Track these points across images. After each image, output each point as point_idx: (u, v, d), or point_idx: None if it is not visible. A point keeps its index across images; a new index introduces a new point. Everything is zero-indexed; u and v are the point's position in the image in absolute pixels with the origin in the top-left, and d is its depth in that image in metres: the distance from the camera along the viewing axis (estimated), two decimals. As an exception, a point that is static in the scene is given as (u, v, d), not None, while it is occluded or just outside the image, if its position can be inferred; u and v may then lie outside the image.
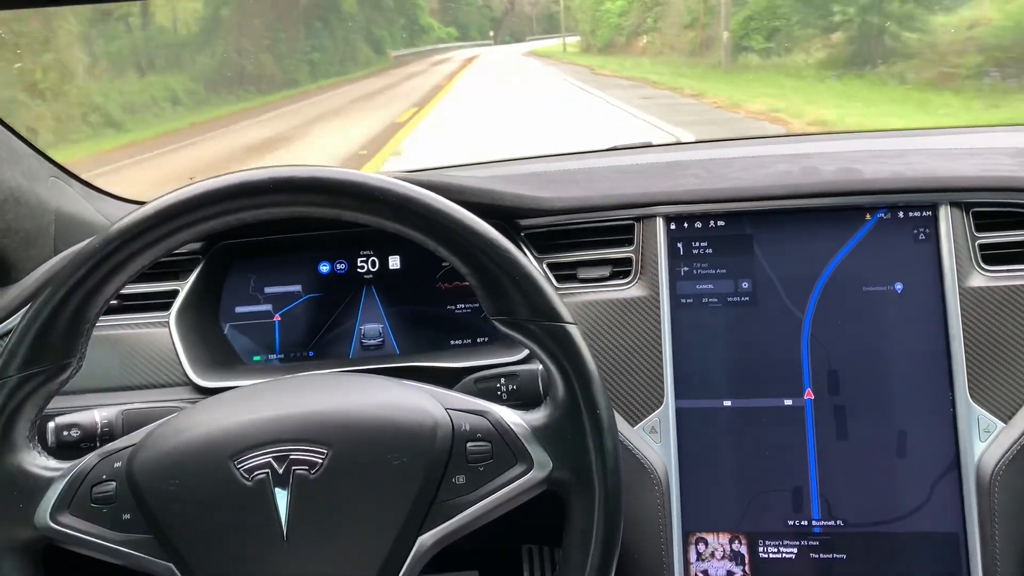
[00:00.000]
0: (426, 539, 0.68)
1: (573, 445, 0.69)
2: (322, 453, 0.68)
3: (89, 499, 0.69)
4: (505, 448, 0.70)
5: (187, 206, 0.68)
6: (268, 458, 0.67)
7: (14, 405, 0.68)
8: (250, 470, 0.67)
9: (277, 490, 0.67)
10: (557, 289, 1.01)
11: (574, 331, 0.70)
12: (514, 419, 0.71)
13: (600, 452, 0.69)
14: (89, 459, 0.71)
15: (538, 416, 0.72)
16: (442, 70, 22.53)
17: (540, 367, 0.88)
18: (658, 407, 0.96)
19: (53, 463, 0.71)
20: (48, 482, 0.70)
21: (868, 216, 0.98)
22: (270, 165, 0.70)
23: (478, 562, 1.33)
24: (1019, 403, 0.91)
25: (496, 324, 0.71)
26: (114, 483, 0.69)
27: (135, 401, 0.92)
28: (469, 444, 0.70)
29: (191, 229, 0.69)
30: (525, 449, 0.70)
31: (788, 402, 0.95)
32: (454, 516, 0.69)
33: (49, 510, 0.69)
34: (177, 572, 0.68)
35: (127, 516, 0.69)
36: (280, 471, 0.67)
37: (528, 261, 0.70)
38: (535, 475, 0.70)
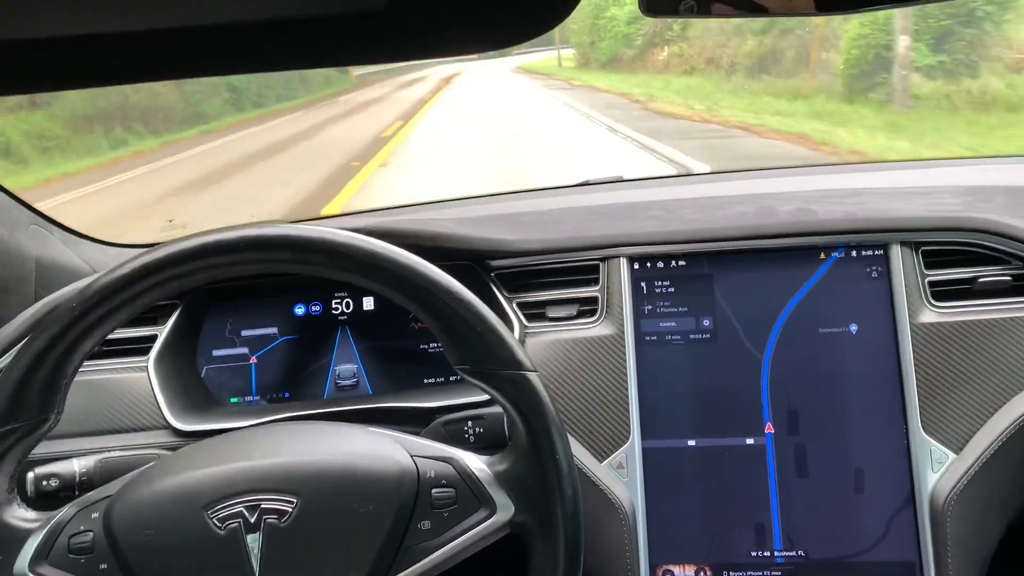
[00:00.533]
0: None
1: (534, 490, 0.72)
2: (291, 502, 0.70)
3: (67, 549, 0.71)
4: (469, 493, 0.73)
5: (163, 265, 0.71)
6: (240, 507, 0.70)
7: None
8: (223, 519, 0.70)
9: (249, 538, 0.69)
10: (526, 328, 1.04)
11: (534, 379, 0.73)
12: (478, 465, 0.74)
13: (560, 497, 0.72)
14: (67, 510, 0.73)
15: (501, 461, 0.75)
16: (411, 95, 18.48)
17: None
18: (624, 443, 0.99)
19: (32, 514, 0.73)
20: (27, 533, 0.72)
21: (823, 256, 1.02)
22: (240, 224, 0.73)
23: None
24: (969, 434, 0.95)
25: (459, 372, 0.74)
26: (91, 533, 0.71)
27: (114, 446, 0.94)
28: (434, 490, 0.73)
29: (165, 287, 0.72)
30: (488, 494, 0.73)
31: (750, 441, 0.99)
32: (420, 560, 0.71)
33: (28, 561, 0.71)
34: None
35: (104, 566, 0.71)
36: (252, 520, 0.70)
37: (489, 312, 0.73)
38: (498, 519, 0.72)
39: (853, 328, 0.99)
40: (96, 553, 0.71)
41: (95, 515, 0.72)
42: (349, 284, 1.10)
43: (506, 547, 0.76)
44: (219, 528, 0.70)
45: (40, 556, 0.71)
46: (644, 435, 0.99)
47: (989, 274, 0.99)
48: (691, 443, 1.00)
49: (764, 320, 1.01)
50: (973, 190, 1.09)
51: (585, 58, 22.45)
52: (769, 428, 0.99)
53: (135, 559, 0.70)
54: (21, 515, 0.73)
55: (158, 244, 0.73)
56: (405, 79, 25.79)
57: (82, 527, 0.72)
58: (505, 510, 0.73)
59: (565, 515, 0.72)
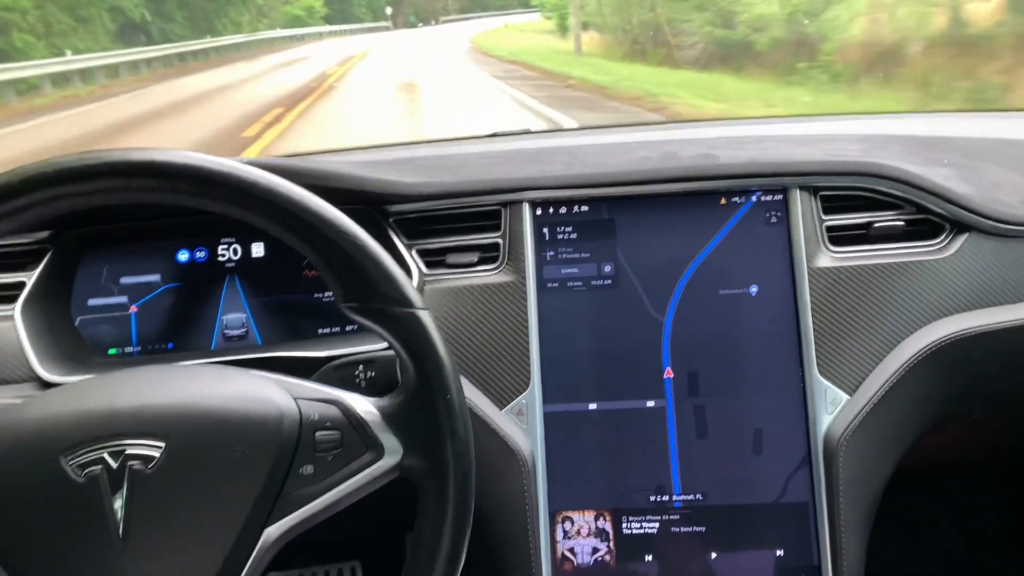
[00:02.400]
0: (273, 531, 0.67)
1: (424, 431, 0.69)
2: (158, 447, 0.65)
3: None
4: (355, 436, 0.69)
5: (13, 190, 0.64)
6: (102, 453, 0.65)
7: None
8: (83, 466, 0.64)
9: (111, 487, 0.64)
10: (425, 275, 1.01)
11: (425, 317, 0.70)
12: (365, 407, 0.71)
13: (452, 438, 0.69)
14: None
15: (390, 403, 0.71)
16: (258, 92, 11.77)
17: None
18: (524, 390, 0.97)
19: None
20: None
21: (724, 201, 1.01)
22: (106, 149, 0.66)
23: (361, 552, 1.33)
24: (862, 377, 0.96)
25: (346, 311, 0.70)
26: None
27: None
28: (317, 433, 0.69)
29: (17, 217, 0.65)
30: (375, 437, 0.69)
31: (650, 403, 0.98)
32: (302, 507, 0.68)
33: None
34: None
35: None
36: (114, 466, 0.64)
37: (377, 246, 0.69)
38: (386, 462, 0.69)
39: (753, 289, 0.99)
40: None
41: None
42: (237, 229, 1.05)
43: (397, 493, 0.73)
44: (78, 476, 0.64)
45: None
46: (545, 399, 0.98)
47: (884, 219, 1.00)
48: (592, 407, 0.98)
49: (665, 279, 1.00)
50: (871, 138, 1.10)
51: (608, 44, 14.49)
52: (669, 390, 0.98)
53: None
54: None
55: (8, 171, 0.66)
56: (278, 59, 18.39)
57: None
58: (393, 453, 0.69)
59: (456, 456, 0.69)
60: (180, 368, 0.75)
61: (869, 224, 1.00)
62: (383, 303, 0.69)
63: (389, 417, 0.70)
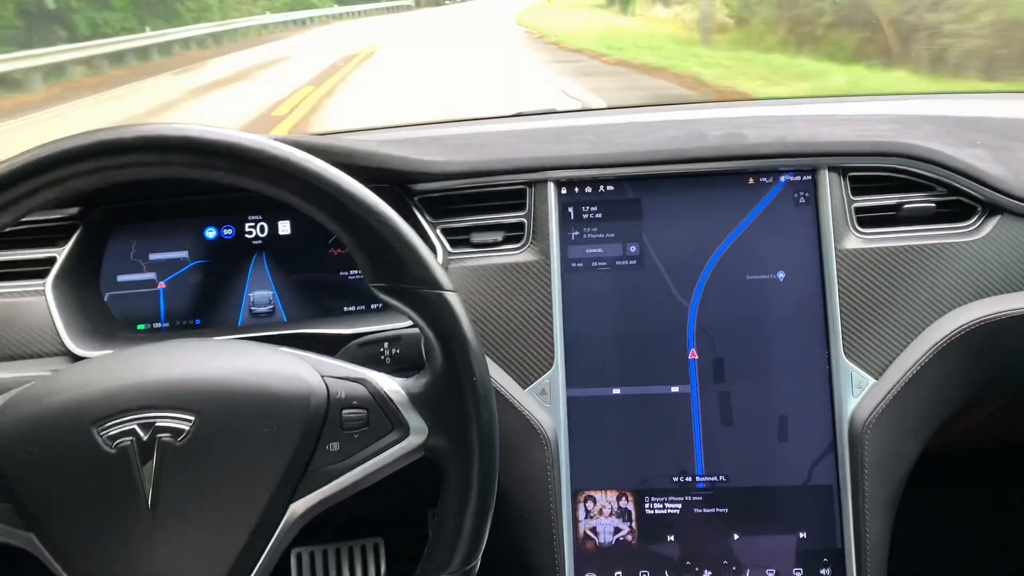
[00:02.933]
0: (298, 506, 0.68)
1: (449, 412, 0.69)
2: (188, 420, 0.66)
3: None
4: (381, 415, 0.70)
5: (52, 162, 0.65)
6: (132, 425, 0.66)
7: None
8: (113, 437, 0.65)
9: (141, 458, 0.65)
10: (450, 254, 1.01)
11: (453, 298, 0.70)
12: (391, 386, 0.71)
13: (476, 419, 0.69)
14: None
15: (416, 383, 0.72)
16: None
17: None
18: (548, 369, 0.97)
19: None
20: None
21: (751, 181, 1.00)
22: (140, 124, 0.67)
23: (384, 530, 1.34)
24: (889, 360, 0.95)
25: (374, 291, 0.70)
26: None
27: (5, 373, 0.88)
28: (344, 411, 0.69)
29: (55, 188, 0.66)
30: (401, 416, 0.70)
31: (675, 389, 0.98)
32: (327, 483, 0.68)
33: None
34: (38, 543, 0.66)
35: None
36: (145, 438, 0.65)
37: (407, 227, 0.69)
38: (411, 442, 0.70)
39: (780, 274, 0.98)
40: None
41: None
42: (264, 206, 1.06)
43: (421, 473, 0.74)
44: (109, 447, 0.65)
45: None
46: (569, 382, 0.97)
47: (914, 200, 0.99)
48: (616, 391, 0.98)
49: (692, 261, 0.99)
50: (903, 118, 1.08)
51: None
52: (694, 372, 0.98)
53: (17, 478, 0.66)
54: None
55: (49, 142, 0.66)
56: (247, 61, 13.09)
57: None
58: (418, 433, 0.70)
59: (480, 438, 0.69)
60: (210, 342, 0.76)
61: (899, 205, 0.99)
62: (412, 284, 0.69)
63: (415, 397, 0.71)
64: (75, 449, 0.66)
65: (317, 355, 0.74)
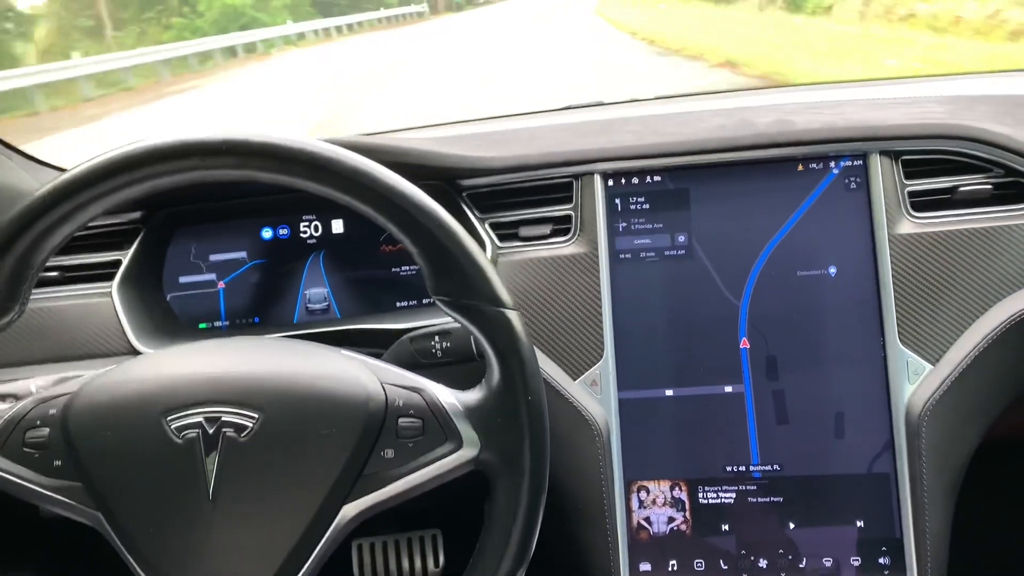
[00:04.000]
0: (350, 509, 0.69)
1: (503, 429, 0.70)
2: (253, 417, 0.68)
3: (22, 443, 0.70)
4: (436, 426, 0.71)
5: (140, 160, 0.67)
6: (199, 418, 0.68)
7: None
8: (180, 429, 0.68)
9: (206, 451, 0.68)
10: (498, 248, 1.02)
11: (514, 317, 0.70)
12: (448, 398, 0.72)
13: (530, 439, 0.70)
14: (25, 404, 0.72)
15: (472, 397, 0.72)
16: None
17: None
18: (598, 361, 0.97)
19: None
20: None
21: (801, 168, 0.99)
22: (221, 129, 0.68)
23: (441, 519, 1.36)
24: (946, 345, 0.94)
25: (437, 303, 0.72)
26: (47, 429, 0.70)
27: (77, 373, 0.92)
28: (401, 419, 0.70)
29: (141, 184, 0.68)
30: (456, 428, 0.71)
31: (728, 389, 0.97)
32: (380, 489, 0.70)
33: None
34: (104, 522, 0.69)
35: (58, 463, 0.69)
36: (210, 432, 0.68)
37: (473, 244, 0.70)
38: (463, 454, 0.70)
39: (833, 263, 0.97)
40: (51, 449, 0.70)
41: (53, 411, 0.71)
42: (317, 206, 1.09)
43: (470, 486, 0.75)
44: (177, 437, 0.68)
45: None
46: (620, 381, 0.98)
47: (970, 183, 0.97)
48: (668, 393, 0.98)
49: (742, 250, 0.98)
50: (956, 99, 1.06)
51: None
52: (745, 361, 0.97)
53: (89, 460, 0.69)
54: None
55: (135, 141, 0.69)
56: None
57: (39, 422, 0.70)
58: (471, 446, 0.71)
59: (532, 457, 0.70)
60: (277, 342, 0.78)
61: (954, 188, 0.97)
62: (475, 300, 0.70)
63: (470, 411, 0.71)
64: (145, 437, 0.68)
65: (377, 361, 0.75)
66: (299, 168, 0.67)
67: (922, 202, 0.97)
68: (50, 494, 0.70)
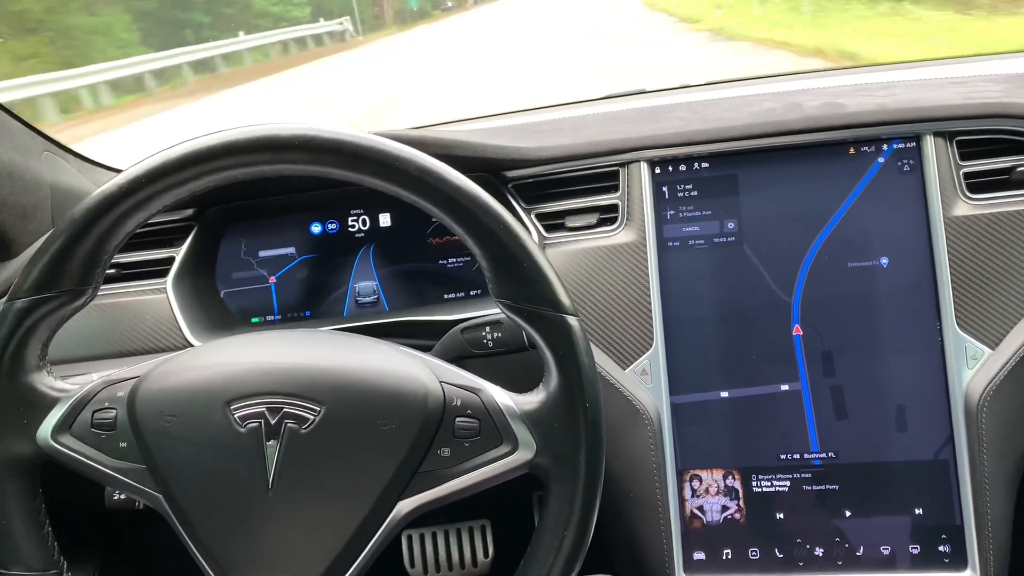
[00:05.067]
0: (404, 505, 0.70)
1: (560, 434, 0.70)
2: (315, 410, 0.69)
3: (90, 423, 0.72)
4: (493, 427, 0.71)
5: (215, 153, 0.68)
6: (262, 408, 0.69)
7: (29, 324, 0.71)
8: (244, 418, 0.69)
9: (267, 441, 0.69)
10: (545, 239, 1.02)
11: (574, 323, 0.70)
12: (505, 400, 0.72)
13: (586, 446, 0.70)
14: (94, 384, 0.73)
15: (530, 400, 0.72)
16: None
17: None
18: (648, 350, 0.97)
19: (61, 384, 0.74)
20: (53, 402, 0.72)
21: (852, 151, 0.97)
22: (291, 123, 0.69)
23: (490, 510, 1.36)
24: (1006, 329, 0.92)
25: (498, 305, 0.72)
26: (115, 411, 0.72)
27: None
28: (458, 419, 0.71)
29: (214, 175, 0.69)
30: (512, 431, 0.71)
31: (784, 387, 0.96)
32: (435, 487, 0.70)
33: (51, 429, 0.72)
34: (165, 503, 0.71)
35: (124, 444, 0.71)
36: (272, 422, 0.69)
37: (537, 248, 0.70)
38: (518, 457, 0.70)
39: (885, 254, 0.95)
40: (118, 431, 0.71)
41: (121, 393, 0.72)
42: (365, 200, 1.10)
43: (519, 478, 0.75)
44: (239, 426, 0.69)
45: (64, 426, 0.72)
46: (672, 386, 0.97)
47: None
48: (724, 394, 0.97)
49: (794, 237, 0.97)
50: (1012, 77, 1.03)
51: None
52: (799, 348, 0.96)
53: (154, 443, 0.70)
54: (50, 383, 0.73)
55: (209, 133, 0.70)
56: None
57: (107, 403, 0.72)
58: (527, 449, 0.70)
59: (587, 463, 0.70)
60: (338, 335, 0.78)
61: (1011, 168, 0.95)
62: (536, 305, 0.70)
63: (527, 414, 0.71)
64: (208, 424, 0.70)
65: (436, 359, 0.76)
66: (368, 165, 0.68)
67: (978, 183, 0.95)
68: (114, 474, 0.72)
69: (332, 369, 0.71)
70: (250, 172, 0.69)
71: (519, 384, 0.75)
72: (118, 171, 1.30)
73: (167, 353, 1.02)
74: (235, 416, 0.69)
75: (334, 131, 0.68)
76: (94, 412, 0.72)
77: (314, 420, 0.69)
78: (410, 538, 1.29)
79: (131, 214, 0.70)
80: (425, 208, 0.69)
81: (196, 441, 0.70)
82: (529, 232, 0.71)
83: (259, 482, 0.69)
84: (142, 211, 0.70)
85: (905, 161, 0.96)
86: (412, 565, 1.29)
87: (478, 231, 0.69)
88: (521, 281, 0.69)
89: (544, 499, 0.72)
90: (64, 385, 0.74)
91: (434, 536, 1.30)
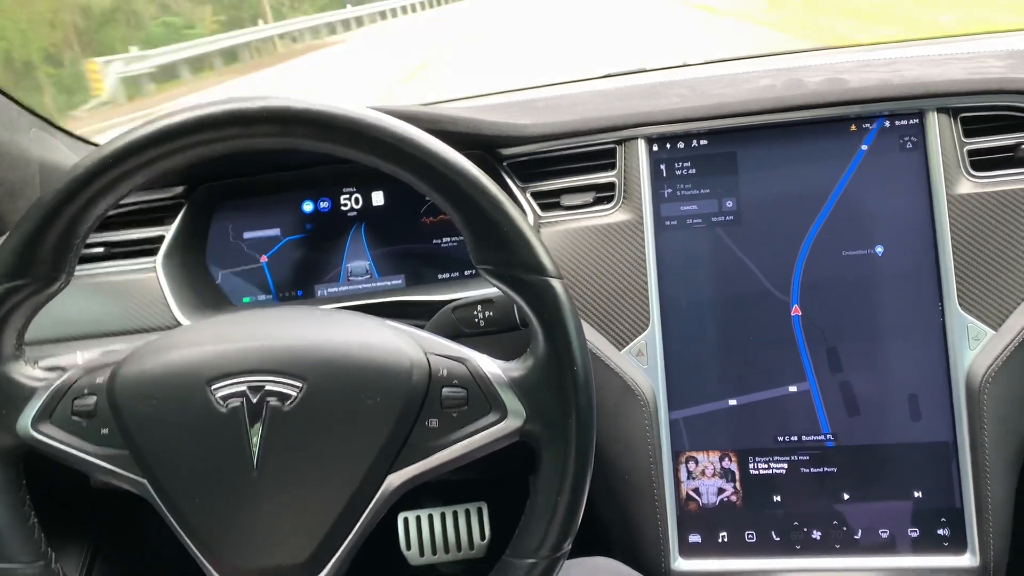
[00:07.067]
0: (394, 479, 0.68)
1: (549, 399, 0.69)
2: (297, 386, 0.68)
3: (70, 411, 0.70)
4: (480, 396, 0.70)
5: (184, 129, 0.66)
6: (243, 387, 0.68)
7: (2, 314, 0.69)
8: (225, 397, 0.68)
9: (250, 420, 0.67)
10: (540, 218, 1.00)
11: (559, 286, 0.69)
12: (492, 368, 0.71)
13: (576, 410, 0.68)
14: (73, 372, 0.72)
15: (517, 367, 0.71)
16: None
17: None
18: (644, 330, 0.96)
19: (38, 373, 0.72)
20: (32, 391, 0.71)
21: (854, 128, 0.96)
22: (260, 96, 0.67)
23: (487, 493, 1.36)
24: (1008, 310, 0.90)
25: (481, 272, 0.70)
26: (95, 397, 0.70)
27: (122, 346, 0.93)
28: (445, 389, 0.69)
29: (185, 153, 0.67)
30: (500, 399, 0.69)
31: (793, 388, 0.95)
32: (424, 458, 0.69)
33: (31, 419, 0.70)
34: (150, 489, 0.69)
35: (105, 431, 0.70)
36: (254, 401, 0.67)
37: (518, 212, 0.68)
38: (508, 425, 0.69)
39: (879, 250, 0.94)
40: (98, 417, 0.70)
41: (100, 379, 0.71)
42: (358, 178, 1.08)
43: (516, 459, 0.73)
44: (221, 406, 0.68)
45: (43, 415, 0.71)
46: (672, 405, 0.96)
47: None
48: (732, 402, 0.96)
49: (794, 216, 0.95)
50: (1017, 54, 1.01)
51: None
52: (798, 328, 0.95)
53: (136, 427, 0.69)
54: (28, 373, 0.72)
55: (178, 110, 0.68)
56: None
57: (86, 390, 0.71)
58: (516, 416, 0.69)
59: (578, 427, 0.68)
60: (319, 311, 0.77)
61: (1016, 145, 0.93)
62: (519, 270, 0.68)
63: (515, 381, 0.70)
64: (189, 405, 0.68)
65: (420, 331, 0.74)
66: (341, 135, 0.66)
67: (982, 161, 0.93)
68: (97, 462, 0.70)
69: (314, 345, 0.70)
70: (221, 147, 0.67)
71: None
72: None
73: (156, 332, 1.01)
74: (216, 396, 0.68)
75: (305, 101, 0.66)
76: (74, 400, 0.70)
77: (296, 397, 0.68)
78: (406, 520, 1.29)
79: (102, 196, 0.67)
80: (402, 176, 0.67)
81: (178, 423, 0.68)
82: (512, 200, 0.69)
83: (244, 462, 0.68)
84: (112, 193, 0.68)
85: (908, 138, 0.94)
86: (408, 547, 1.28)
87: (456, 197, 0.67)
88: (501, 246, 0.68)
89: (536, 466, 0.70)
90: (42, 374, 0.72)
91: (430, 518, 1.29)
